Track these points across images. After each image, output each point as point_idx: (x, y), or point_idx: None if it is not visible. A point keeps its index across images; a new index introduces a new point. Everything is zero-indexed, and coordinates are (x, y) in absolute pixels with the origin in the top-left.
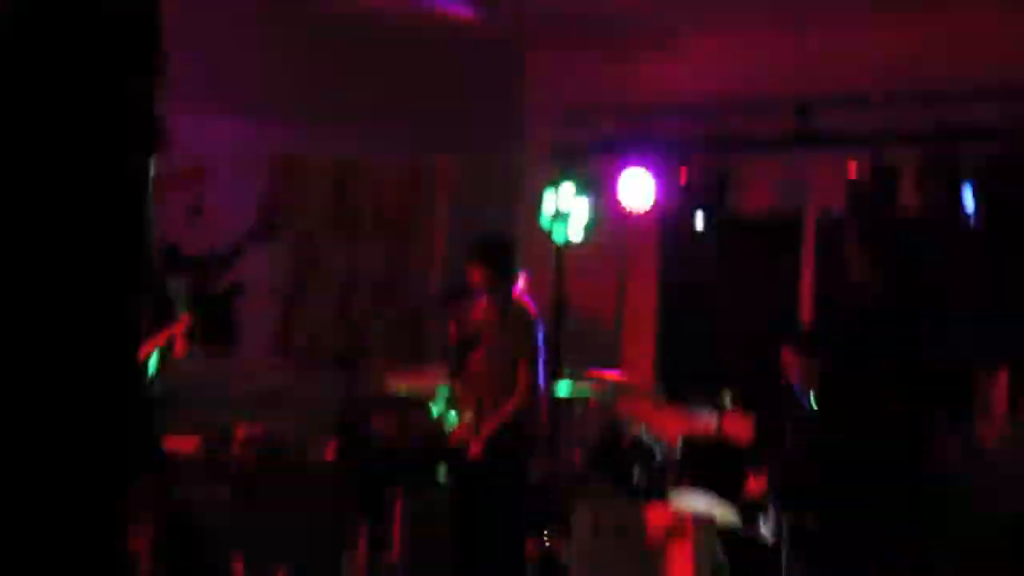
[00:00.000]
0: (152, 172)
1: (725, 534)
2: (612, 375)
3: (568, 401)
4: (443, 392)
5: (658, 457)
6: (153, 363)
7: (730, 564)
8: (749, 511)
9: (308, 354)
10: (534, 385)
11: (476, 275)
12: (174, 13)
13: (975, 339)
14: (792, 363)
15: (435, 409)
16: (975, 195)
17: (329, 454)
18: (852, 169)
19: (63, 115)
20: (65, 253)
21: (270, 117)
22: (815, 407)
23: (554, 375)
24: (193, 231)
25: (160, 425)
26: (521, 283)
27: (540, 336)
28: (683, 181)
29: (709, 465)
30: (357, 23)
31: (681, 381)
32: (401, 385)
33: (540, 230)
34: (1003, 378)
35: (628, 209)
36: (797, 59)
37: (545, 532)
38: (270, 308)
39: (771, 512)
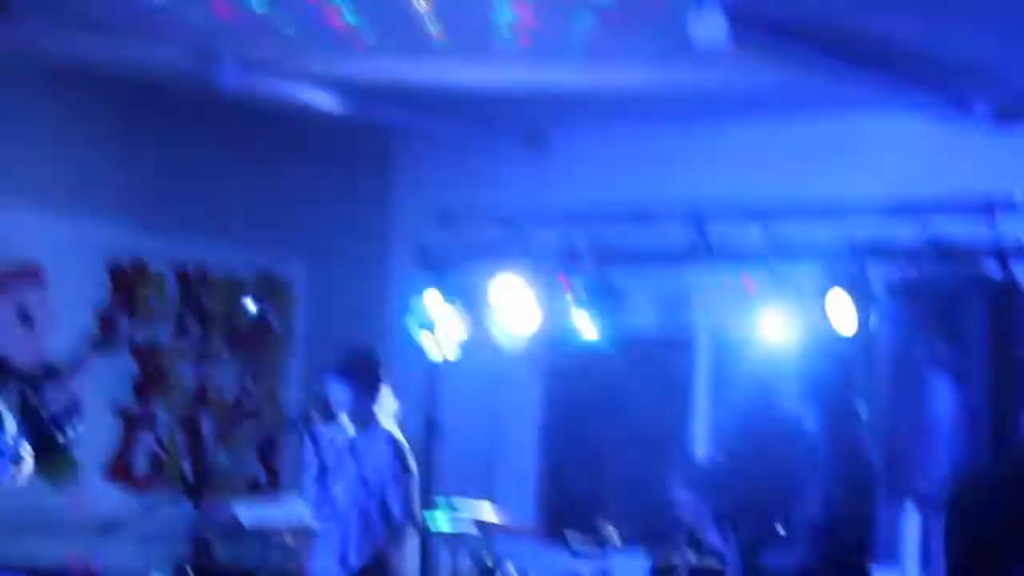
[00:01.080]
0: None
1: None
2: (488, 507)
3: (440, 535)
4: (300, 523)
5: None
6: None
7: None
8: None
9: (150, 480)
10: (401, 517)
11: (337, 393)
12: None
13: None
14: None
15: (291, 542)
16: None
17: None
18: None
19: None
20: None
21: (112, 217)
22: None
23: (424, 506)
24: (23, 340)
25: None
26: (388, 403)
27: (411, 463)
28: (566, 294)
29: None
30: (208, 118)
31: (564, 516)
32: (253, 515)
33: (409, 345)
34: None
35: (506, 323)
36: (689, 166)
37: None
38: (110, 429)
39: None
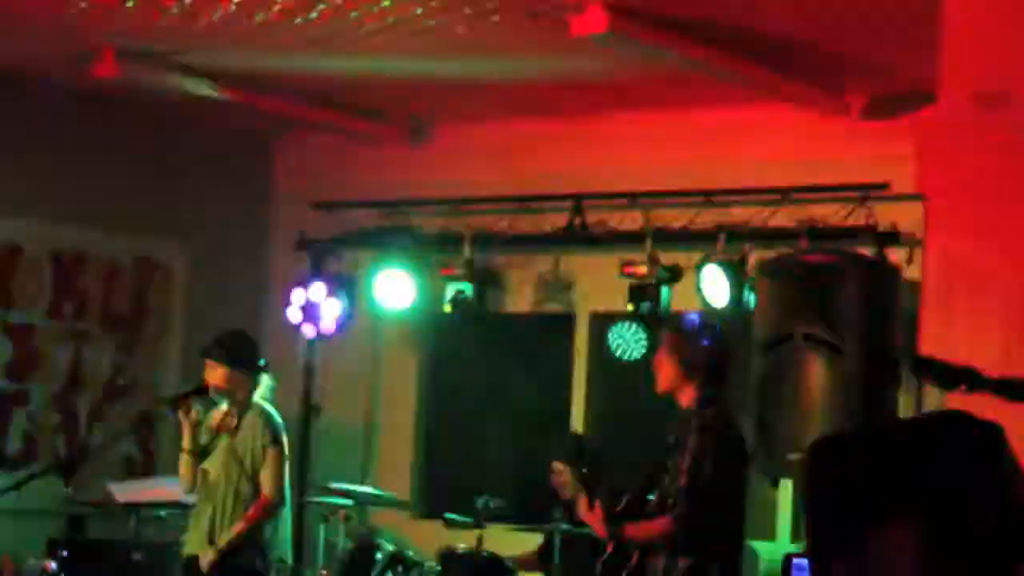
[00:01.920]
0: None
1: None
2: (365, 485)
3: (316, 513)
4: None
5: (415, 573)
6: None
7: None
8: None
9: (23, 458)
10: (275, 495)
11: (214, 374)
12: None
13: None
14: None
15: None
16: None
17: (47, 567)
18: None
19: None
20: None
21: None
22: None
23: (300, 485)
24: None
25: None
26: (264, 385)
27: (283, 442)
28: (445, 276)
29: None
30: (85, 104)
31: (441, 492)
32: (127, 492)
33: (287, 328)
34: None
35: (384, 306)
36: (571, 154)
37: None
38: None
39: None
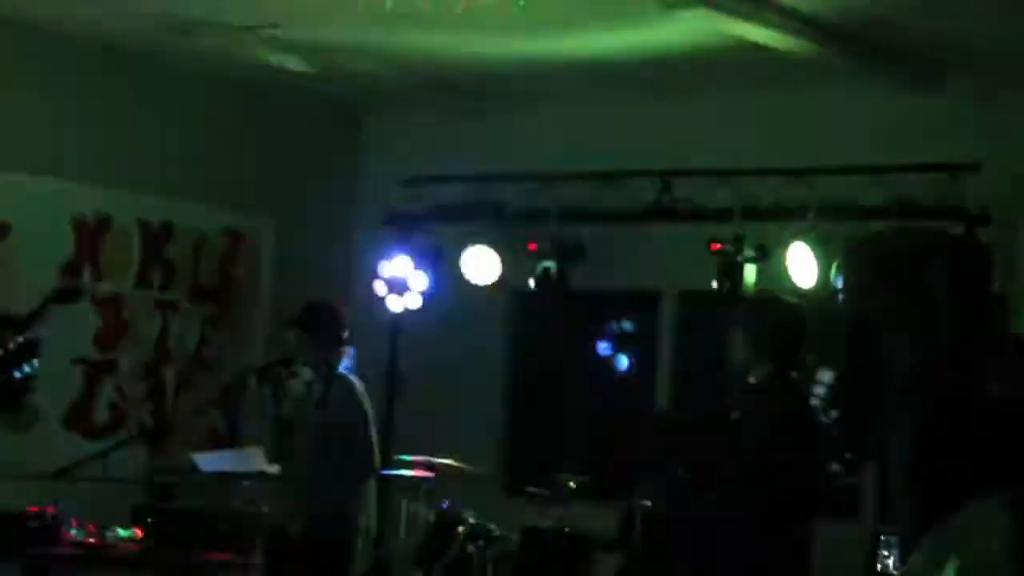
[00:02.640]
0: None
1: None
2: (449, 459)
3: (400, 486)
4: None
5: (496, 549)
6: None
7: None
8: None
9: (110, 428)
10: (362, 466)
11: (300, 345)
12: None
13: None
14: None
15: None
16: (846, 270)
17: (132, 536)
18: (715, 246)
19: None
20: None
21: (78, 175)
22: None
23: (385, 458)
24: None
25: None
26: (348, 355)
27: (370, 413)
28: (531, 252)
29: (552, 555)
30: (176, 78)
31: (524, 467)
32: (212, 462)
33: (374, 301)
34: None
35: (470, 281)
36: (655, 129)
37: None
38: (72, 378)
39: None
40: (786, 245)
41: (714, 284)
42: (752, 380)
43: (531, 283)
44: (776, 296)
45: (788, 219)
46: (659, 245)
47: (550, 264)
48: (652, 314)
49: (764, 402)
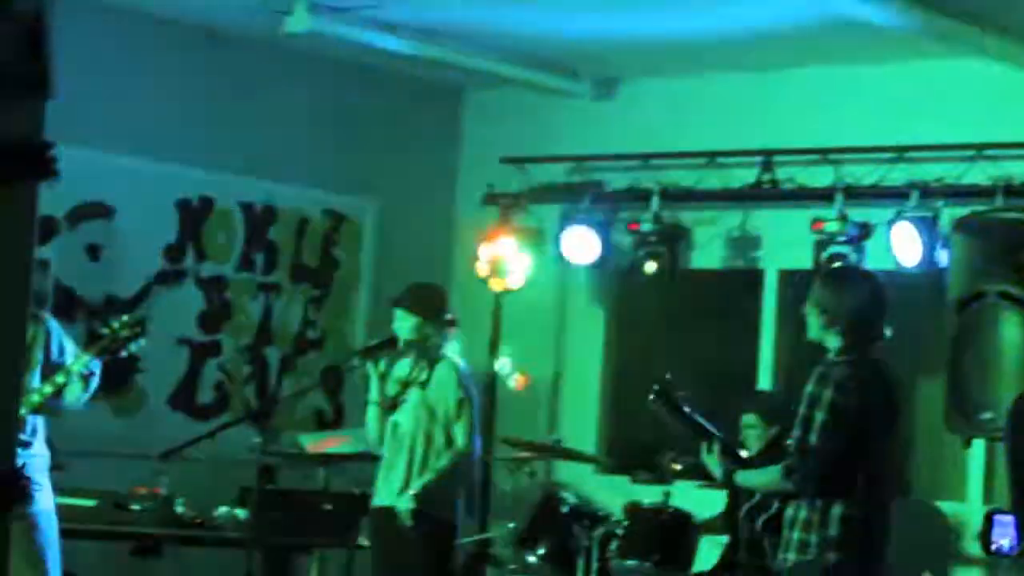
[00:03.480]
0: (37, 199)
1: None
2: (552, 439)
3: (504, 466)
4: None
5: (601, 529)
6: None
7: None
8: None
9: (215, 409)
10: (469, 448)
11: (404, 325)
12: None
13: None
14: (752, 427)
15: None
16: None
17: (237, 515)
18: (816, 225)
19: None
20: None
21: (182, 158)
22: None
23: (487, 439)
24: (92, 274)
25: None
26: (452, 335)
27: (475, 395)
28: (632, 233)
29: (656, 536)
30: (276, 60)
31: (627, 448)
32: (317, 445)
33: (474, 283)
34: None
35: (572, 262)
36: (760, 109)
37: None
38: (176, 359)
39: None
40: (889, 224)
41: (816, 264)
42: (831, 357)
43: (632, 264)
44: (849, 269)
45: (891, 198)
46: (761, 225)
47: (651, 244)
48: (754, 295)
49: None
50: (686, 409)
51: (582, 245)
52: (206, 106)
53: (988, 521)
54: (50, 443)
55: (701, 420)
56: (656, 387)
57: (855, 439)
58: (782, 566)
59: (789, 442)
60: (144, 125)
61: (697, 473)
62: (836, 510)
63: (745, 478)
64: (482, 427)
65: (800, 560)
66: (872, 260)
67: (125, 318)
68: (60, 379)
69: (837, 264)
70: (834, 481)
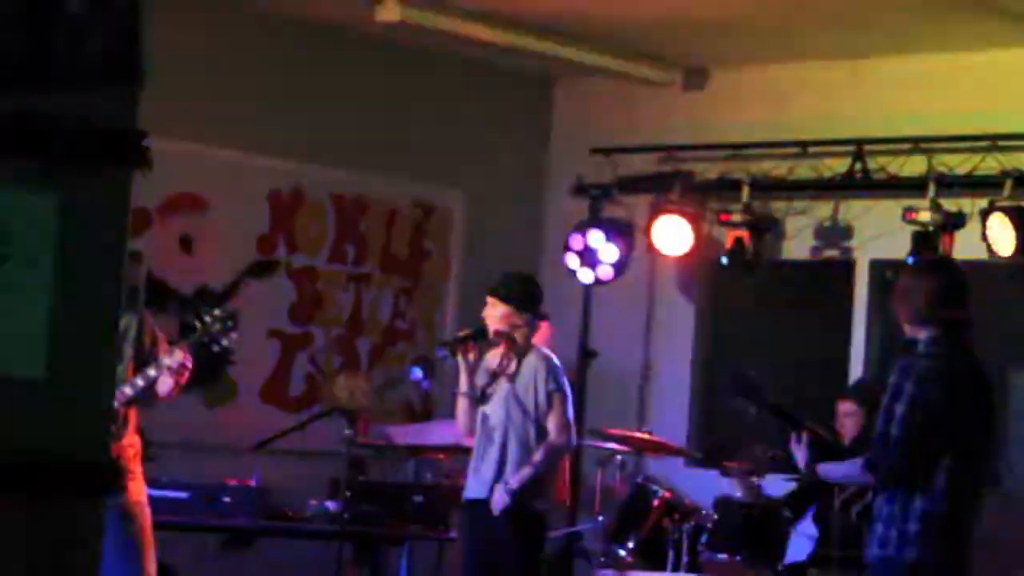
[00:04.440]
0: (130, 189)
1: None
2: (641, 432)
3: (593, 459)
4: (454, 443)
5: (691, 522)
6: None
7: None
8: None
9: (306, 400)
10: (563, 439)
11: (494, 314)
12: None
13: None
14: (850, 414)
15: (445, 461)
16: None
17: (328, 507)
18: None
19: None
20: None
21: (272, 149)
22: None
23: (578, 431)
24: (184, 265)
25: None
26: (543, 330)
27: (566, 386)
28: (723, 223)
29: (747, 529)
30: (366, 51)
31: (717, 440)
32: (407, 434)
33: (565, 274)
34: None
35: (662, 253)
36: (851, 99)
37: None
38: (267, 350)
39: None
40: (983, 214)
41: (909, 255)
42: (920, 349)
43: (722, 255)
44: (926, 260)
45: (984, 187)
46: (852, 215)
47: (742, 236)
48: (846, 286)
49: (907, 369)
50: (770, 400)
51: (673, 235)
52: (296, 97)
53: None
54: (142, 434)
55: (787, 410)
56: (737, 380)
57: (938, 433)
58: (869, 560)
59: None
60: (236, 117)
61: (787, 466)
62: (917, 505)
63: (826, 470)
64: (573, 419)
65: (881, 555)
66: (965, 250)
67: (217, 312)
68: (152, 372)
69: (916, 257)
70: (915, 475)
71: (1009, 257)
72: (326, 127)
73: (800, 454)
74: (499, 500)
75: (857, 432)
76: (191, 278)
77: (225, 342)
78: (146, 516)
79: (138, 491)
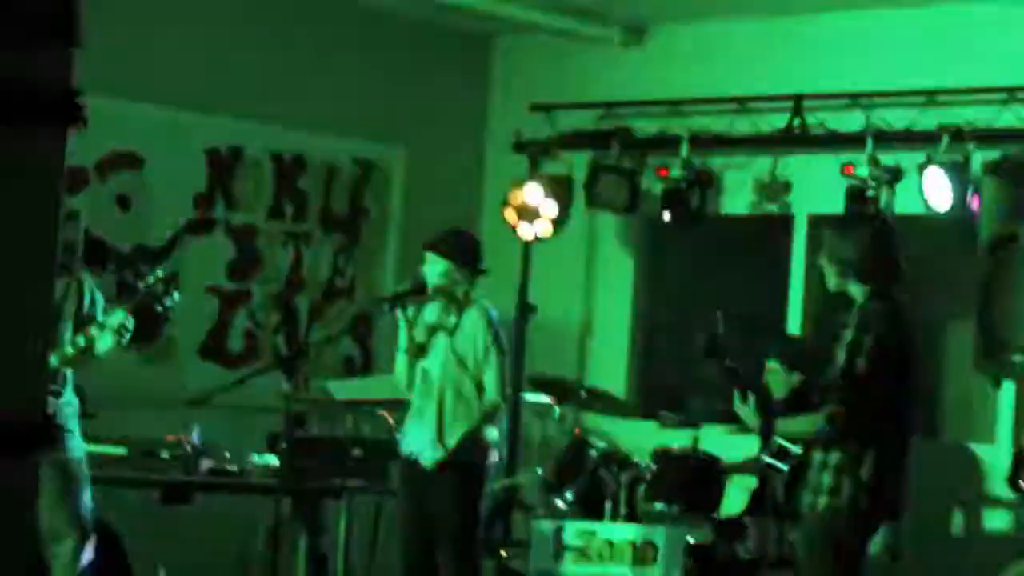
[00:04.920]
0: (66, 147)
1: (699, 551)
2: (579, 385)
3: (532, 412)
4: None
5: (629, 473)
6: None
7: None
8: (726, 527)
9: (245, 357)
10: (499, 395)
11: (435, 270)
12: None
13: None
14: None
15: (384, 416)
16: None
17: (267, 462)
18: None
19: None
20: None
21: (211, 108)
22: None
23: (516, 383)
24: (122, 224)
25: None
26: (483, 282)
27: (504, 342)
28: (662, 179)
29: (684, 480)
30: (306, 9)
31: (655, 393)
32: (346, 390)
33: (503, 230)
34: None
35: (601, 208)
36: (789, 54)
37: (504, 550)
38: (206, 308)
39: (751, 528)
40: (920, 169)
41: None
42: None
43: (661, 210)
44: (852, 214)
45: (921, 143)
46: (791, 170)
47: (681, 191)
48: (784, 240)
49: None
50: (730, 363)
51: (612, 192)
52: (235, 55)
53: (1017, 460)
54: (80, 392)
55: (741, 372)
56: (707, 340)
57: (889, 383)
58: (810, 509)
59: (827, 380)
60: (174, 74)
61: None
62: (870, 455)
63: (787, 425)
64: (511, 373)
65: (832, 504)
66: (903, 205)
67: (159, 272)
68: (93, 332)
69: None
70: (872, 426)
71: (946, 212)
72: (265, 85)
73: (749, 413)
74: (435, 456)
75: (782, 391)
76: (129, 236)
77: (167, 302)
78: (83, 473)
79: (76, 448)
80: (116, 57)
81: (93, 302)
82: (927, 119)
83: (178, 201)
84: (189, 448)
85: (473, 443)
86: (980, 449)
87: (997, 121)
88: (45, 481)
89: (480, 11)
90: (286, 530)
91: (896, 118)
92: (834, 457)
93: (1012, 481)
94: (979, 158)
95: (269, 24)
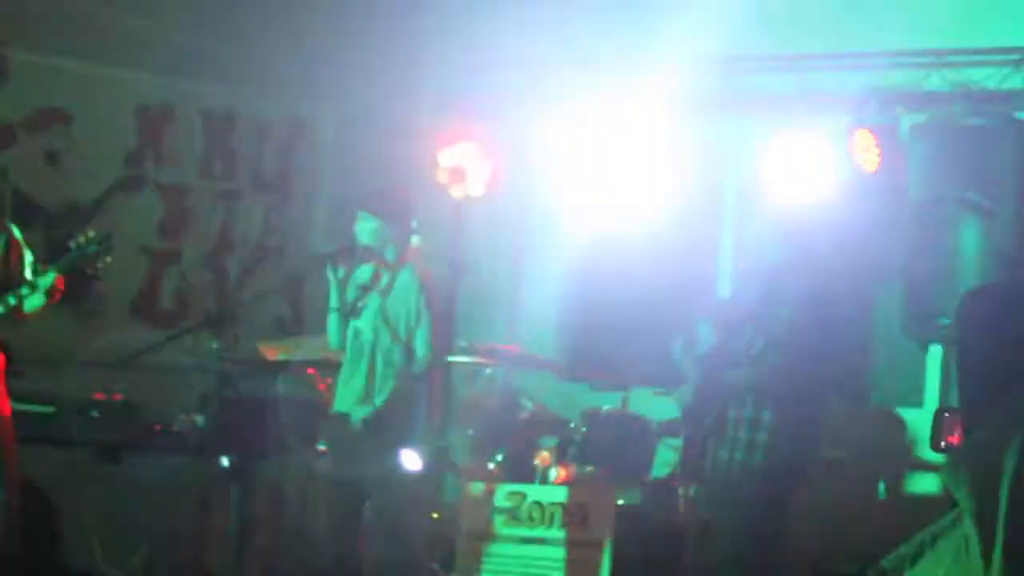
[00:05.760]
0: None
1: (627, 514)
2: (510, 347)
3: (463, 373)
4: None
5: (560, 433)
6: None
7: (632, 545)
8: (653, 490)
9: (175, 316)
10: (429, 355)
11: (365, 229)
12: None
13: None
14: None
15: (314, 375)
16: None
17: (196, 422)
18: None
19: None
20: None
21: (140, 63)
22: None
23: (448, 345)
24: (50, 180)
25: None
26: (414, 242)
27: (433, 300)
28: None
29: (614, 442)
30: None
31: (586, 354)
32: (276, 349)
33: (436, 189)
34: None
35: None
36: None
37: (435, 512)
38: (136, 266)
39: (680, 491)
40: (849, 131)
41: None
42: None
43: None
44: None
45: (850, 105)
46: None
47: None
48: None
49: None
50: None
51: (549, 148)
52: (166, 11)
53: (938, 419)
54: (7, 349)
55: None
56: None
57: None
58: (730, 466)
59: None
60: (102, 30)
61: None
62: (767, 415)
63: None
64: (443, 333)
65: (745, 459)
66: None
67: (91, 234)
68: (24, 291)
69: None
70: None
71: (873, 174)
72: (196, 41)
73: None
74: (363, 415)
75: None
76: (58, 194)
77: (99, 264)
78: (11, 431)
79: (3, 407)
80: (44, 11)
81: (22, 260)
82: (856, 82)
83: (108, 158)
84: (119, 407)
85: (401, 403)
86: (908, 413)
87: (925, 84)
88: None
89: None
90: (216, 490)
91: (824, 80)
92: (765, 417)
93: (934, 442)
94: (907, 121)
95: None
